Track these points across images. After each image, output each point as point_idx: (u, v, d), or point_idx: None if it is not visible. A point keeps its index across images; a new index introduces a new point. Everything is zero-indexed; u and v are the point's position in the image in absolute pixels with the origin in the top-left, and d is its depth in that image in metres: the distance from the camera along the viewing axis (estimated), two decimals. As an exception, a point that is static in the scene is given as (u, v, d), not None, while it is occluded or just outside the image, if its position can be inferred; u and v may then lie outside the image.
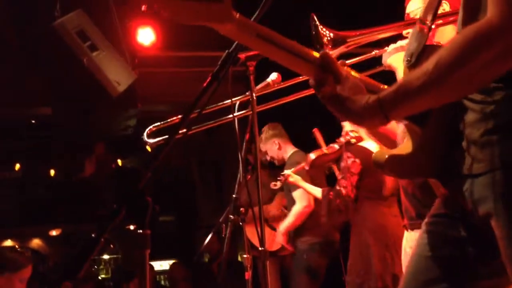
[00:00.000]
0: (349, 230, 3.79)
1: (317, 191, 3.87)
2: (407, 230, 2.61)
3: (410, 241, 2.54)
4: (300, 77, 2.53)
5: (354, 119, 1.32)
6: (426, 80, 1.19)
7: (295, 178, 4.09)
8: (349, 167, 3.52)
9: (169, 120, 2.87)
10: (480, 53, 1.14)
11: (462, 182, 1.33)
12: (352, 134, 3.54)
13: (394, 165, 1.42)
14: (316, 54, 1.35)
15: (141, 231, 1.50)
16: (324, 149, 3.86)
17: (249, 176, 3.96)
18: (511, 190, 1.24)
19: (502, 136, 1.25)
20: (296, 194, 4.37)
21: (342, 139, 3.68)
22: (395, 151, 1.43)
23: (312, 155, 3.81)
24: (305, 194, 4.33)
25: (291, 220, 4.38)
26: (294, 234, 4.44)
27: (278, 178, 4.31)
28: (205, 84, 1.55)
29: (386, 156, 1.41)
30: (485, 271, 1.38)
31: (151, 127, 2.90)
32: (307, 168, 3.87)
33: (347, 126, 3.70)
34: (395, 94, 1.25)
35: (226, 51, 1.54)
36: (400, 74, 1.72)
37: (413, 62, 1.38)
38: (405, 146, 1.42)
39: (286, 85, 2.81)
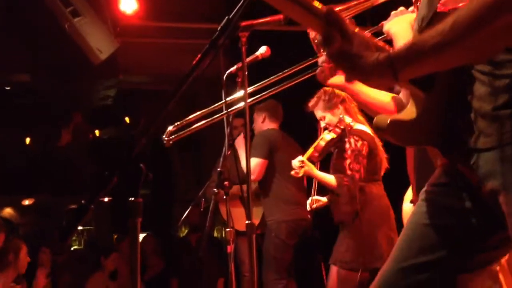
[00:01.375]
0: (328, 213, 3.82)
1: (331, 179, 3.70)
2: None
3: None
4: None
5: (361, 76, 1.27)
6: (440, 40, 1.16)
7: (309, 167, 3.82)
8: (359, 149, 3.51)
9: (185, 119, 2.92)
10: (501, 15, 1.11)
11: (467, 155, 1.32)
12: (347, 121, 3.55)
13: (396, 130, 1.38)
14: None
15: (133, 199, 1.47)
16: (327, 135, 3.70)
17: (229, 151, 3.93)
18: None
19: (511, 112, 1.23)
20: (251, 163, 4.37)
21: (336, 129, 3.63)
22: (397, 116, 1.40)
23: (322, 142, 3.73)
24: (258, 166, 4.30)
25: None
26: (264, 213, 4.44)
27: (297, 166, 3.89)
28: (201, 53, 1.50)
29: (388, 121, 1.37)
30: (484, 244, 1.37)
31: (170, 128, 2.93)
32: (316, 155, 3.78)
33: (328, 116, 3.69)
34: (406, 52, 1.21)
35: (226, 17, 1.49)
36: (398, 40, 1.67)
37: (424, 26, 1.35)
38: (408, 111, 1.39)
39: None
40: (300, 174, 3.73)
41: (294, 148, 4.39)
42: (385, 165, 3.63)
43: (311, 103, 3.77)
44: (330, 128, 3.66)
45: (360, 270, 3.43)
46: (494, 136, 1.25)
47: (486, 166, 1.28)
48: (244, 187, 2.66)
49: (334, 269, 3.61)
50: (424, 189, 1.48)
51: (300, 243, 4.38)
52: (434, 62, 1.20)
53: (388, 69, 1.22)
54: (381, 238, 3.48)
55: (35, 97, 5.77)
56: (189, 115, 3.15)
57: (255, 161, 4.30)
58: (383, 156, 3.63)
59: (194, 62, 1.49)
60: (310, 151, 3.72)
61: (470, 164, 1.32)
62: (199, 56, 1.50)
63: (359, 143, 3.53)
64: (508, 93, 1.24)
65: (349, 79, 1.52)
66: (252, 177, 4.28)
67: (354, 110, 3.71)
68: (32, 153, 7.85)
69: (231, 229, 2.89)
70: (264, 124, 4.56)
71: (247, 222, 2.37)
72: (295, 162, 3.71)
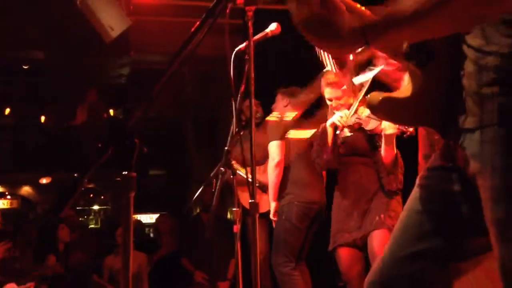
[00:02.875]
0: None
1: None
2: None
3: None
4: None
5: (334, 43, 1.25)
6: (418, 8, 1.12)
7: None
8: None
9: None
10: None
11: (458, 135, 1.27)
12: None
13: (389, 108, 1.35)
14: None
15: (126, 172, 1.44)
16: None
17: (242, 132, 3.90)
18: (498, 150, 1.18)
19: (495, 92, 1.18)
20: (269, 148, 4.37)
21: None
22: (392, 94, 1.35)
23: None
24: (278, 148, 4.30)
25: (270, 184, 4.35)
26: (279, 194, 4.41)
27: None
28: (199, 21, 1.46)
29: (380, 98, 1.33)
30: (479, 227, 1.31)
31: None
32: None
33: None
34: (383, 21, 1.18)
35: (224, -15, 1.45)
36: None
37: None
38: (404, 89, 1.34)
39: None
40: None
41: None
42: None
43: (333, 79, 3.63)
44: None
45: None
46: (477, 116, 1.21)
47: (470, 148, 1.24)
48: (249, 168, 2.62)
49: (380, 233, 3.44)
50: (420, 174, 1.44)
51: (313, 227, 4.34)
52: (410, 31, 1.17)
53: (360, 36, 1.19)
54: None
55: (49, 75, 5.78)
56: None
57: (274, 144, 4.31)
58: None
59: (192, 30, 1.46)
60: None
61: (460, 145, 1.27)
62: (195, 27, 1.46)
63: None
64: (492, 71, 1.18)
65: (321, 47, 1.46)
66: (276, 159, 4.28)
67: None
68: (48, 131, 7.91)
69: (238, 209, 2.87)
70: (285, 108, 4.58)
71: (250, 201, 2.33)
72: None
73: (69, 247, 5.72)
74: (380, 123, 3.38)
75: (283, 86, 4.74)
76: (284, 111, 4.59)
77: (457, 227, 1.35)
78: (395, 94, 1.35)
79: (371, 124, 3.47)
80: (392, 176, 3.52)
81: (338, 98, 3.64)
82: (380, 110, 1.35)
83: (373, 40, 1.19)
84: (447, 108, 1.29)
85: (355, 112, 3.54)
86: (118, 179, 1.39)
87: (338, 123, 3.56)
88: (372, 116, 3.36)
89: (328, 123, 3.64)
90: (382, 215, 3.45)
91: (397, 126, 3.29)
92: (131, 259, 1.43)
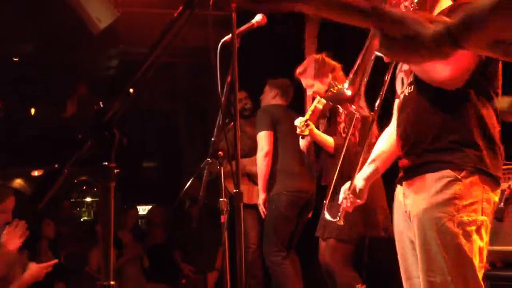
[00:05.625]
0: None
1: (330, 140, 3.63)
2: None
3: None
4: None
5: (422, 55, 1.24)
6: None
7: (312, 126, 3.66)
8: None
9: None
10: None
11: None
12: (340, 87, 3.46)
13: None
14: None
15: (106, 163, 1.45)
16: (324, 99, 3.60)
17: (231, 124, 3.90)
18: None
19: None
20: (258, 139, 4.39)
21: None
22: None
23: (319, 105, 3.58)
24: (267, 138, 4.30)
25: (259, 174, 4.36)
26: (268, 183, 4.42)
27: (303, 125, 3.72)
28: (176, 13, 1.47)
29: None
30: None
31: None
32: (314, 118, 3.63)
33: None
34: (464, 20, 1.16)
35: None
36: None
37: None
38: None
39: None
40: (306, 133, 3.57)
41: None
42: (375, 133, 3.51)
43: (299, 70, 3.70)
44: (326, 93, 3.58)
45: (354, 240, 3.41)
46: None
47: None
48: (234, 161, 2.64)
49: (329, 242, 3.55)
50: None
51: (303, 216, 4.37)
52: (493, 24, 1.14)
53: (447, 38, 1.16)
54: (378, 210, 3.45)
55: (39, 67, 5.76)
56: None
57: (263, 134, 4.33)
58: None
59: (168, 23, 1.46)
60: (308, 114, 3.60)
61: None
62: (172, 19, 1.47)
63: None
64: None
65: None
66: (265, 149, 4.30)
67: (343, 79, 3.61)
68: (39, 124, 7.89)
69: (225, 199, 2.89)
70: (274, 100, 4.60)
71: (234, 191, 2.35)
72: (299, 122, 3.58)
73: (59, 241, 5.71)
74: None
75: (271, 77, 4.75)
76: (271, 102, 4.56)
77: None
78: None
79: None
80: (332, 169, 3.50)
81: (310, 87, 3.66)
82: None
83: (463, 41, 1.17)
84: None
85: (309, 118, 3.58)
86: (112, 170, 1.41)
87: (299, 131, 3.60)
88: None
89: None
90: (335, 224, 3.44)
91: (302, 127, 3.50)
92: (112, 250, 1.45)
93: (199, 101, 8.46)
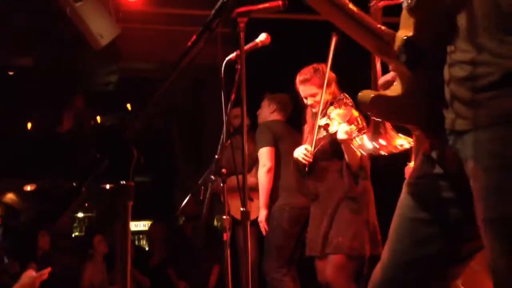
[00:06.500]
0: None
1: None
2: None
3: None
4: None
5: None
6: None
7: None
8: (364, 125, 3.18)
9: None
10: None
11: (446, 137, 1.32)
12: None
13: (379, 105, 1.39)
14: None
15: (124, 182, 1.46)
16: (339, 111, 3.34)
17: (229, 141, 3.89)
18: (492, 151, 1.22)
19: (488, 96, 1.23)
20: (259, 155, 4.36)
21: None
22: (382, 92, 1.41)
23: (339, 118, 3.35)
24: (268, 154, 4.29)
25: (260, 190, 4.34)
26: (270, 200, 4.41)
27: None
28: (196, 35, 1.49)
29: (372, 95, 1.38)
30: (470, 232, 1.36)
31: None
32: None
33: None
34: None
35: (221, 0, 1.48)
36: None
37: (413, 5, 1.35)
38: (394, 88, 1.39)
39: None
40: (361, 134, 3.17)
41: (296, 138, 4.39)
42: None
43: (302, 78, 3.57)
44: (335, 104, 3.38)
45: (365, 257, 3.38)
46: (470, 119, 1.25)
47: (462, 150, 1.28)
48: (240, 177, 2.65)
49: (335, 258, 3.44)
50: (407, 180, 1.48)
51: (303, 232, 4.37)
52: None
53: None
54: (376, 225, 3.47)
55: (36, 80, 5.76)
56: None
57: (264, 150, 4.32)
58: None
59: (188, 45, 1.48)
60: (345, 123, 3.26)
61: (449, 147, 1.32)
62: (192, 40, 1.49)
63: (363, 121, 3.42)
64: (486, 78, 1.23)
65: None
66: (268, 165, 4.28)
67: (337, 89, 3.59)
68: (34, 137, 7.85)
69: (228, 216, 2.89)
70: (272, 115, 4.58)
71: (242, 209, 2.36)
72: (351, 128, 3.24)
73: (50, 255, 5.68)
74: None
75: (269, 92, 4.75)
76: (269, 117, 4.55)
77: (450, 234, 1.39)
78: (385, 92, 1.41)
79: (333, 127, 3.33)
80: (352, 180, 3.46)
81: (313, 95, 3.60)
82: (370, 107, 1.39)
83: None
84: (433, 111, 1.34)
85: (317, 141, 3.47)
86: (106, 187, 1.41)
87: (302, 160, 3.48)
88: (336, 117, 3.30)
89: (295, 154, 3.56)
90: (340, 238, 3.41)
91: (349, 132, 3.18)
92: (128, 271, 1.44)
93: (193, 116, 8.48)
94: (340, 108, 3.32)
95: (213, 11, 1.47)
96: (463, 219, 1.37)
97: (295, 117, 4.66)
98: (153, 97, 1.45)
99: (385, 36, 1.38)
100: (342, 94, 3.40)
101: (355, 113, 3.21)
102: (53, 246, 5.73)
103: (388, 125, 2.08)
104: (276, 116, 4.60)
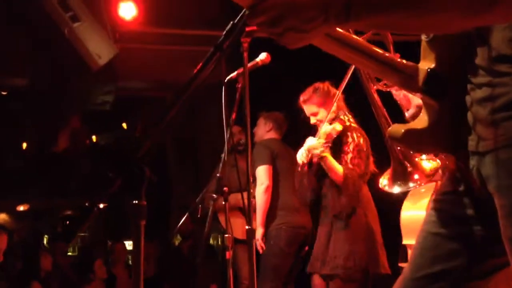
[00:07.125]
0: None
1: (339, 168, 3.42)
2: None
3: None
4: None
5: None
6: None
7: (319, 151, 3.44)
8: (362, 145, 3.36)
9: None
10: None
11: (470, 159, 1.35)
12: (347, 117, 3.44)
13: (411, 139, 1.44)
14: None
15: (136, 201, 1.47)
16: (337, 126, 3.39)
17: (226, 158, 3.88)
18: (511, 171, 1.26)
19: (507, 115, 1.26)
20: (257, 173, 4.35)
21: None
22: (410, 125, 1.45)
23: (333, 132, 3.39)
24: (266, 172, 4.30)
25: (258, 209, 4.33)
26: (267, 219, 4.39)
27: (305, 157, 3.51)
28: (208, 56, 1.51)
29: (403, 130, 1.43)
30: (493, 250, 1.39)
31: None
32: (326, 144, 3.44)
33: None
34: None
35: (231, 22, 1.50)
36: None
37: (432, 36, 1.39)
38: (420, 120, 1.43)
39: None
40: (325, 154, 3.33)
41: (293, 156, 4.40)
42: (372, 168, 3.46)
43: (304, 98, 3.59)
44: (333, 120, 3.42)
45: (361, 278, 3.35)
46: (490, 139, 1.29)
47: (485, 170, 1.32)
48: (245, 194, 2.66)
49: (333, 285, 3.40)
50: (433, 197, 1.53)
51: (301, 252, 4.36)
52: (387, 17, 1.18)
53: (343, 9, 1.16)
54: (378, 243, 3.45)
55: (32, 100, 5.76)
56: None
57: (262, 168, 4.32)
58: (371, 158, 3.49)
59: (198, 67, 1.50)
60: (324, 136, 3.36)
61: (471, 168, 1.35)
62: (203, 60, 1.50)
63: (361, 139, 3.41)
64: (503, 98, 1.27)
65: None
66: (266, 184, 4.28)
67: (345, 108, 3.57)
68: (28, 157, 7.83)
69: (230, 235, 2.90)
70: (269, 133, 4.61)
71: (247, 227, 2.37)
72: (318, 142, 3.33)
73: (51, 275, 5.65)
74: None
75: (264, 110, 4.78)
76: (266, 135, 4.58)
77: (473, 250, 1.42)
78: (413, 125, 1.45)
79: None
80: (337, 198, 3.43)
81: (314, 114, 3.60)
82: (402, 141, 1.45)
83: (355, 16, 1.18)
84: (458, 135, 1.38)
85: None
86: (100, 206, 1.42)
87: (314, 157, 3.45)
88: (321, 134, 3.34)
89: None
90: (336, 259, 3.39)
91: (320, 147, 3.28)
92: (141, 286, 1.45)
93: (189, 133, 8.49)
94: (330, 125, 3.38)
95: (224, 32, 1.49)
96: (486, 236, 1.40)
97: (290, 135, 4.70)
98: (166, 118, 1.46)
99: (407, 70, 1.40)
100: (341, 111, 3.43)
101: (335, 130, 3.32)
102: (55, 266, 5.72)
103: (412, 155, 2.16)
104: (272, 135, 4.63)
